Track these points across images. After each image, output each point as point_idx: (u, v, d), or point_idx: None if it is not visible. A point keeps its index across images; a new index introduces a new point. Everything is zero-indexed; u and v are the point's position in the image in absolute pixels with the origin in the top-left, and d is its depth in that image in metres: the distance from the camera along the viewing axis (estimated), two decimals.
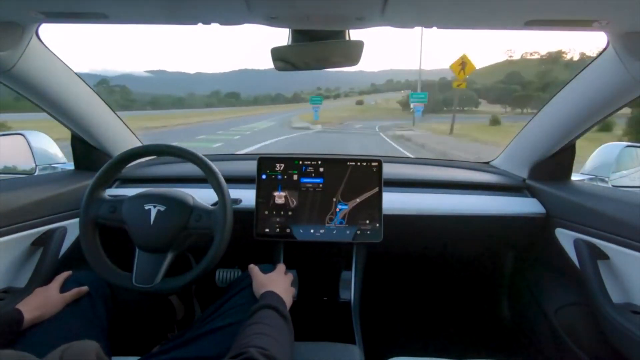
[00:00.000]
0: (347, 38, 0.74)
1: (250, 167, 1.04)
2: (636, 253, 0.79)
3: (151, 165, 1.29)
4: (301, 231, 1.00)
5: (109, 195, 0.89)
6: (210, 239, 0.82)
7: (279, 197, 1.01)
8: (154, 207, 0.82)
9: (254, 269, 0.82)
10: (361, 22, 0.64)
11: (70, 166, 1.20)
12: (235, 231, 0.84)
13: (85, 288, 0.77)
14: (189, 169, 0.93)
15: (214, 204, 0.89)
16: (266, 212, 1.01)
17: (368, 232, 0.99)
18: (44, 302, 0.71)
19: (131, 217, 0.82)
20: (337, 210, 1.00)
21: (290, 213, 1.00)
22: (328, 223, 1.00)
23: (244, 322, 0.64)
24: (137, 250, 0.83)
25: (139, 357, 0.72)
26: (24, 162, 1.22)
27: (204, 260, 0.81)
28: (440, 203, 1.09)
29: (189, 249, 0.92)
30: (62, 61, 0.90)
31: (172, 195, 0.86)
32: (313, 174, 1.02)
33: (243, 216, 0.98)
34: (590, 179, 1.18)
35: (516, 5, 0.56)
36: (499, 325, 1.34)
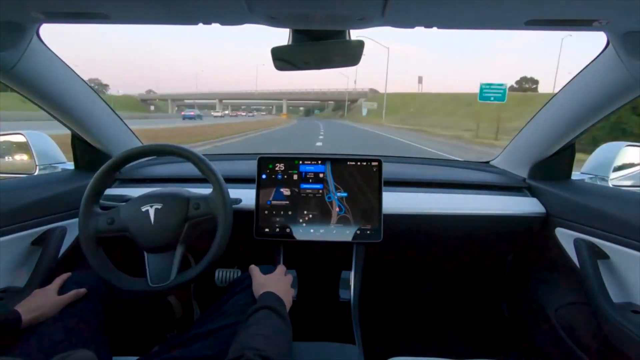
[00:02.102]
0: (347, 38, 0.74)
1: (250, 167, 1.04)
2: (636, 253, 0.79)
3: (151, 165, 1.29)
4: (301, 231, 1.00)
5: (108, 195, 0.89)
6: (214, 224, 0.82)
7: (279, 197, 1.01)
8: (151, 206, 0.82)
9: (254, 269, 0.82)
10: (362, 22, 0.64)
11: (71, 166, 1.20)
12: (236, 231, 0.84)
13: (83, 290, 0.77)
14: (189, 168, 0.93)
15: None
16: (266, 212, 1.01)
17: (368, 232, 0.99)
18: (42, 303, 0.71)
19: (131, 222, 0.82)
20: (338, 210, 1.00)
21: (290, 213, 1.00)
22: (328, 223, 1.00)
23: (242, 324, 0.64)
24: (145, 253, 0.83)
25: (138, 357, 0.72)
26: (24, 162, 1.22)
27: (213, 246, 0.81)
28: (440, 203, 1.09)
29: (188, 249, 0.91)
30: (62, 61, 0.90)
31: (167, 192, 0.86)
32: (313, 174, 1.02)
33: (243, 216, 0.98)
34: (590, 179, 1.18)
35: (517, 5, 0.56)
36: (499, 325, 1.34)
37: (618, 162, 1.17)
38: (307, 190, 1.01)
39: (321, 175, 1.02)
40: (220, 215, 0.82)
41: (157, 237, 0.81)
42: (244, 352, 0.53)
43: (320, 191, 1.01)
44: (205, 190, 0.92)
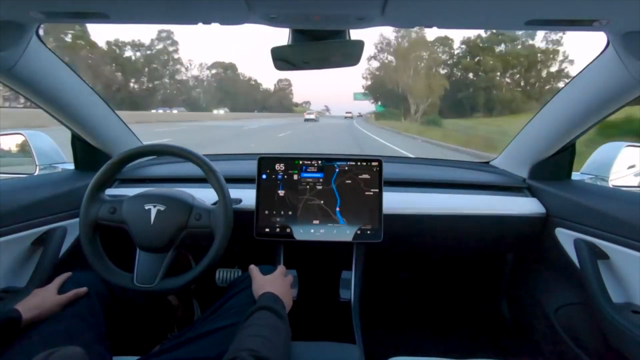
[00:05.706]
0: (347, 38, 0.74)
1: (251, 167, 1.04)
2: (636, 253, 0.79)
3: (151, 165, 1.29)
4: (301, 231, 1.00)
5: (108, 195, 0.89)
6: (211, 237, 0.82)
7: (279, 197, 1.01)
8: (154, 206, 0.82)
9: (253, 270, 0.82)
10: (361, 22, 0.64)
11: (71, 166, 1.20)
12: (236, 231, 0.84)
13: (83, 289, 0.77)
14: (189, 168, 0.93)
15: (214, 204, 0.89)
16: (266, 212, 1.01)
17: (368, 232, 0.99)
18: (41, 302, 0.71)
19: (131, 217, 0.82)
20: (337, 210, 1.00)
21: (290, 213, 1.00)
22: (328, 223, 1.00)
23: (241, 324, 0.64)
24: (137, 250, 0.83)
25: (139, 357, 0.72)
26: (24, 162, 1.22)
27: (205, 259, 0.81)
28: (440, 203, 1.09)
29: (188, 249, 0.91)
30: (62, 61, 0.90)
31: (172, 195, 0.86)
32: (313, 174, 1.02)
33: (243, 216, 0.98)
34: (591, 179, 1.18)
35: (517, 5, 0.56)
36: (499, 325, 1.34)
37: (618, 163, 1.17)
38: (308, 190, 1.01)
39: (321, 175, 1.02)
40: (219, 232, 0.82)
41: (153, 237, 0.82)
42: (239, 353, 0.53)
43: (321, 188, 1.01)
44: (206, 191, 0.92)
